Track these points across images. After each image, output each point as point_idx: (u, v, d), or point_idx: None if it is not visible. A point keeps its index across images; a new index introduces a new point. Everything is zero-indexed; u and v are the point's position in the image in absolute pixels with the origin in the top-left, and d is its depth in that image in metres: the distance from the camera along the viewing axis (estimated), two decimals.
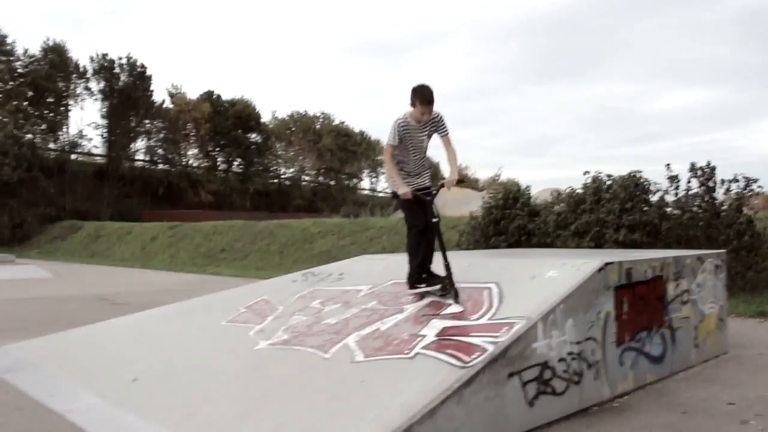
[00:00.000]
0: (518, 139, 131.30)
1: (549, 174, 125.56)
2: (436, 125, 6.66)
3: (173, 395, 5.78)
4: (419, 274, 6.68)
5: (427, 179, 6.84)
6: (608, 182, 14.28)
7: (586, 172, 14.65)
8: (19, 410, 5.99)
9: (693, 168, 13.78)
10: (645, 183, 13.96)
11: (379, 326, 5.93)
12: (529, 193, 16.32)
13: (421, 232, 6.66)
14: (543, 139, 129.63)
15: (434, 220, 6.53)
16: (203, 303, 8.85)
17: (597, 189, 14.21)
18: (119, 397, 5.98)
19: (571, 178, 75.25)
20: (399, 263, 7.19)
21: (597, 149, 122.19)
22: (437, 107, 6.54)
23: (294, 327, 6.55)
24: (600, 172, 14.61)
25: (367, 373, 5.14)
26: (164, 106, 61.91)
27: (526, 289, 5.97)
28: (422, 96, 6.44)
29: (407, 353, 5.24)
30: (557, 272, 6.15)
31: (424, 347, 5.25)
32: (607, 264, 6.10)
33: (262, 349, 6.28)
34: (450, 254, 6.48)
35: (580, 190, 14.66)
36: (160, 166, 62.82)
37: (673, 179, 14.00)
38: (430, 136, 6.71)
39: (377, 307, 6.44)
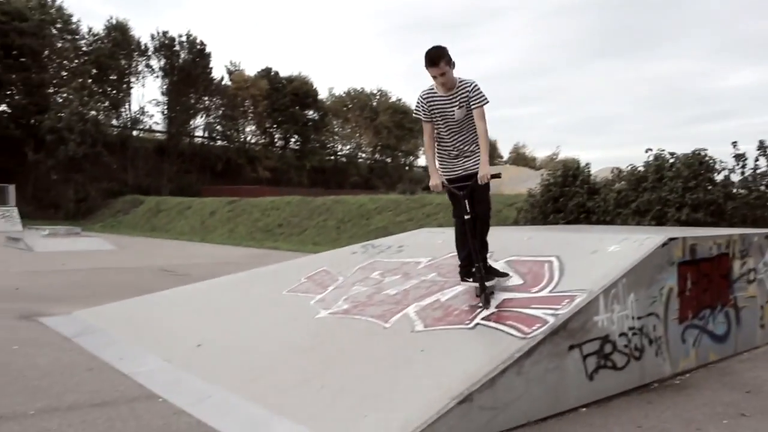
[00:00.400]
0: (577, 118, 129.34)
1: (608, 153, 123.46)
2: (468, 95, 5.64)
3: (236, 361, 5.92)
4: (466, 267, 5.88)
5: (476, 159, 5.77)
6: (671, 160, 13.96)
7: (648, 150, 14.36)
8: (91, 371, 6.24)
9: (761, 146, 13.35)
10: (710, 161, 13.60)
11: (438, 297, 5.97)
12: (589, 171, 16.06)
13: (468, 221, 5.81)
14: (602, 118, 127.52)
15: (466, 216, 5.70)
16: (264, 273, 9.02)
17: (659, 167, 13.89)
18: (184, 361, 6.17)
19: (631, 158, 73.69)
20: None
21: (659, 128, 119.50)
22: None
23: (354, 297, 6.64)
24: (663, 150, 14.31)
25: (427, 342, 5.19)
26: (223, 83, 62.74)
27: (587, 262, 5.92)
28: (425, 58, 5.55)
29: (467, 324, 5.27)
30: (619, 247, 6.08)
31: (484, 318, 5.28)
32: (670, 239, 6.00)
33: (323, 318, 6.38)
34: (510, 229, 6.44)
35: (641, 168, 14.37)
36: (219, 143, 63.85)
37: (740, 158, 13.58)
38: (464, 108, 5.65)
39: (437, 279, 6.47)
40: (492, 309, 5.41)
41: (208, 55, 59.59)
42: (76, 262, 17.86)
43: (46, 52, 50.15)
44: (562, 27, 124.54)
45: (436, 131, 5.86)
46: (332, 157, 73.77)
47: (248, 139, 67.02)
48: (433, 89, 5.71)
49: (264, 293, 7.71)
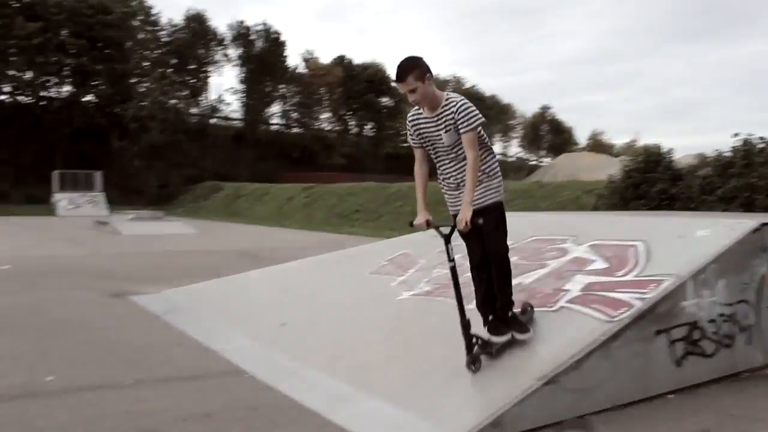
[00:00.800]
0: (657, 104, 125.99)
1: (691, 140, 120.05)
2: (454, 116, 4.56)
3: (320, 340, 6.05)
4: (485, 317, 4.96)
5: (480, 191, 4.69)
6: (761, 145, 13.46)
7: (736, 134, 13.88)
8: (181, 346, 6.49)
9: None
10: None
11: (521, 280, 5.93)
12: (672, 157, 15.65)
13: (475, 267, 4.93)
14: (684, 104, 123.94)
15: (449, 264, 4.76)
16: (346, 255, 9.16)
17: (748, 152, 13.42)
18: (269, 340, 6.35)
19: (714, 144, 71.52)
20: (540, 220, 7.15)
21: (745, 113, 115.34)
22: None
23: (436, 279, 6.67)
24: (752, 134, 13.80)
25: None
26: (298, 71, 63.51)
27: (674, 247, 5.79)
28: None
29: (551, 306, 5.24)
30: (708, 231, 5.92)
31: (568, 301, 5.24)
32: (763, 224, 5.81)
33: (405, 299, 6.44)
34: (592, 213, 6.32)
35: (728, 154, 13.91)
36: (295, 130, 64.69)
37: None
38: (452, 132, 4.60)
39: (519, 262, 6.42)
40: (576, 292, 5.36)
41: (283, 43, 60.47)
42: (160, 244, 18.49)
43: (129, 44, 51.65)
44: (640, 9, 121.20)
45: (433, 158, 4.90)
46: (407, 144, 73.77)
47: (323, 126, 67.72)
48: (419, 110, 4.74)
49: (346, 275, 7.84)
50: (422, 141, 4.82)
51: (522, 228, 7.49)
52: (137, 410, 4.58)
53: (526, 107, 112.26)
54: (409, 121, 4.84)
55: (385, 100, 68.74)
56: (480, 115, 4.58)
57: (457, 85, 77.18)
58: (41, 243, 19.10)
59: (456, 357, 4.91)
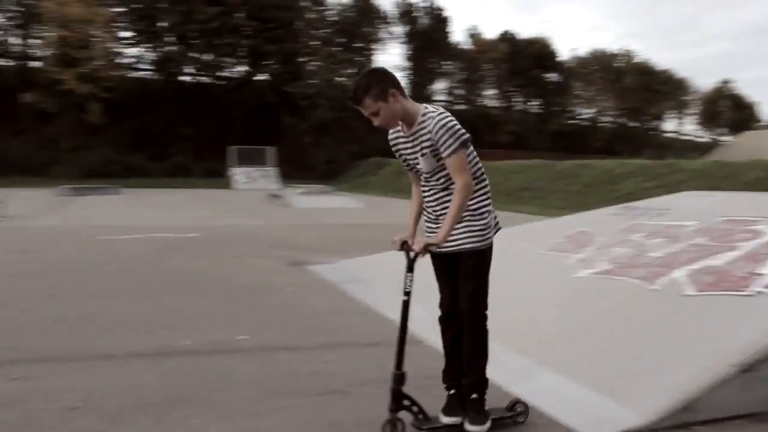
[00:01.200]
0: None
1: None
2: (432, 138, 3.61)
3: (496, 314, 6.00)
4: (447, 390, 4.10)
5: (458, 231, 3.79)
6: None
7: None
8: (358, 314, 6.77)
9: None
10: None
11: (710, 262, 5.64)
12: None
13: (443, 318, 4.20)
14: None
15: (403, 298, 3.91)
16: (519, 231, 9.10)
17: None
18: None
19: None
20: (728, 200, 6.76)
21: None
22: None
23: (616, 258, 6.48)
24: None
25: (699, 307, 4.96)
26: (462, 47, 63.42)
27: None
28: None
29: (747, 291, 4.94)
30: None
31: (766, 286, 4.92)
32: None
33: (583, 277, 6.31)
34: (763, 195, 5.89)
35: None
36: (459, 107, 64.74)
37: None
38: (429, 156, 3.67)
39: (707, 243, 6.12)
40: None
41: (447, 20, 60.72)
42: (330, 217, 19.24)
43: (299, 24, 53.53)
44: None
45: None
46: (574, 121, 71.91)
47: (488, 103, 67.31)
48: (398, 127, 3.82)
49: (520, 251, 7.77)
50: (404, 162, 3.93)
51: (710, 207, 7.15)
52: (324, 371, 4.82)
53: (702, 82, 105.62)
54: (390, 140, 3.94)
55: (552, 76, 67.24)
56: (463, 131, 3.64)
57: (627, 59, 74.00)
58: (222, 214, 20.40)
59: (639, 338, 4.80)
